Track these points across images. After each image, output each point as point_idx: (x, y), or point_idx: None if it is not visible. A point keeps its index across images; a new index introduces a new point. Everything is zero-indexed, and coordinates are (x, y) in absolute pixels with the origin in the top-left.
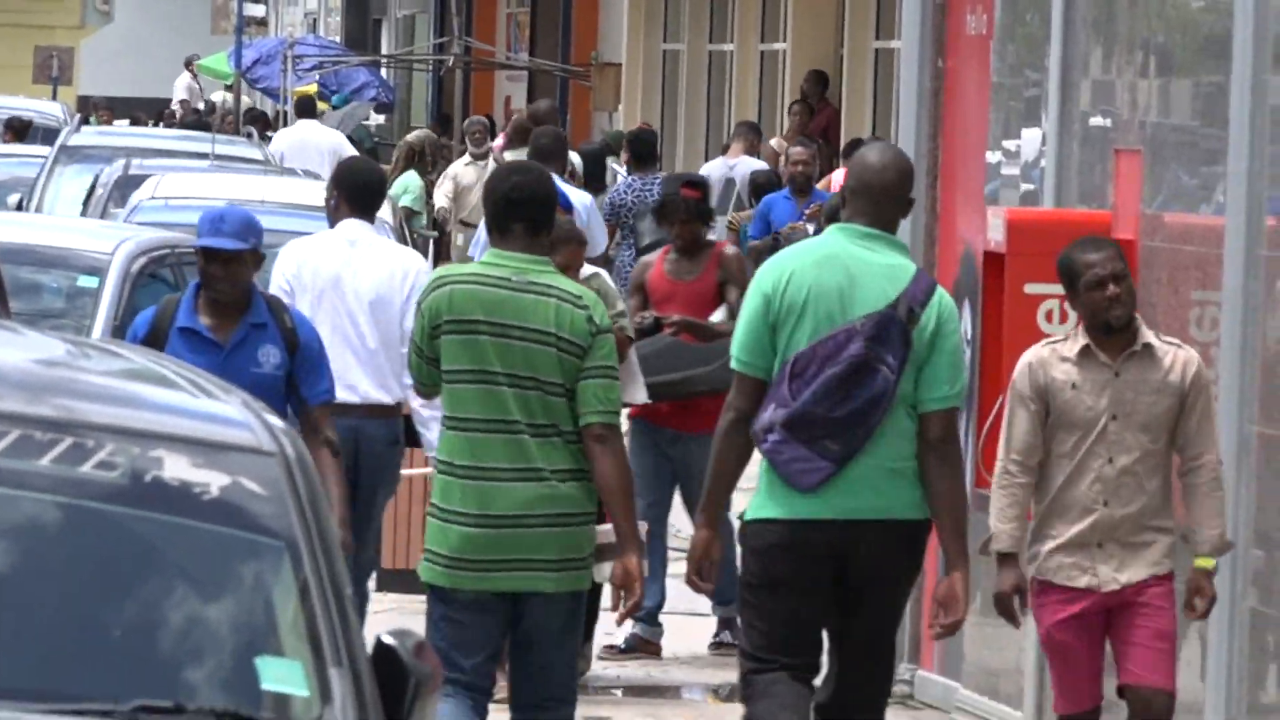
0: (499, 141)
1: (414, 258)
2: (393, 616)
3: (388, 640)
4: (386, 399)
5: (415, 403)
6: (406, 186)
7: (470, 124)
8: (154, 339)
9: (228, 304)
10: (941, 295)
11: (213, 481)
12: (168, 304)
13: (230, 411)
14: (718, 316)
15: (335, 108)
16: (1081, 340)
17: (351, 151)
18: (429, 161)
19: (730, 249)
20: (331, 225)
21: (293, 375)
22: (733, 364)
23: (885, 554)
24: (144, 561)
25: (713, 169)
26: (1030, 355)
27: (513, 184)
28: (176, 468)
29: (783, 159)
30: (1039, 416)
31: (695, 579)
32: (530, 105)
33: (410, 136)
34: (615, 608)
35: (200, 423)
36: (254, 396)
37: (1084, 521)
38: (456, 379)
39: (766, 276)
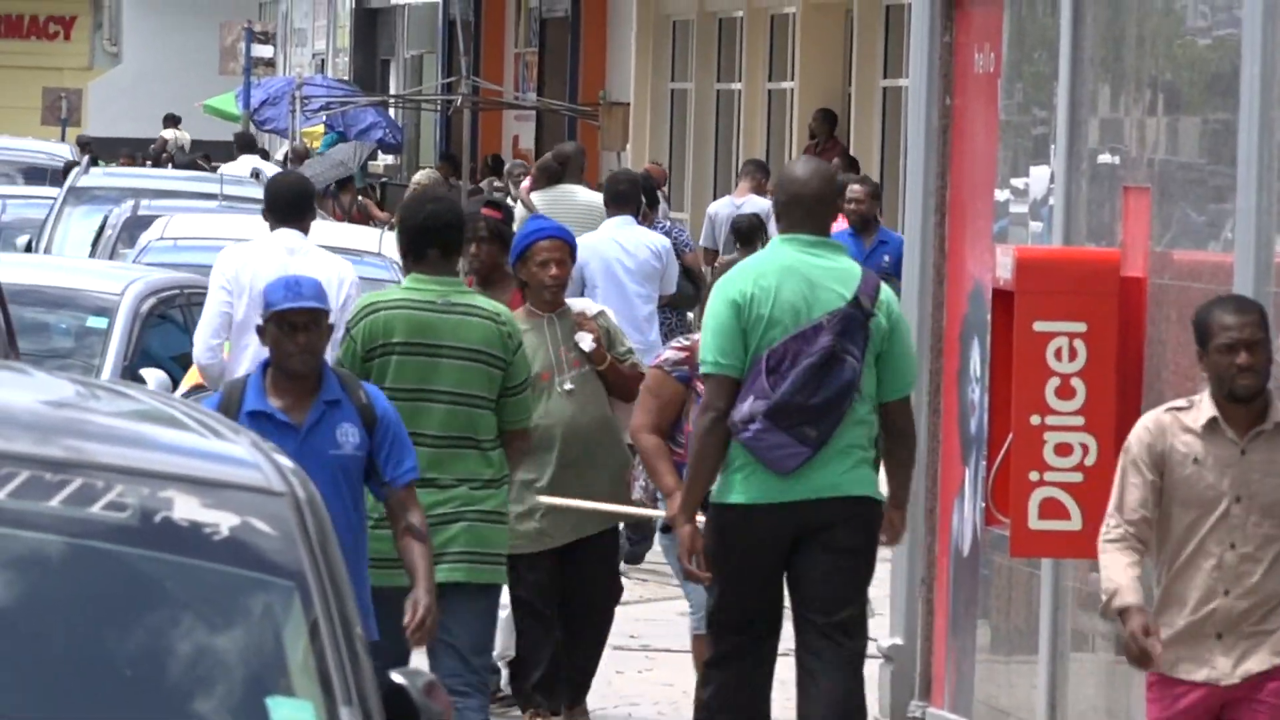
0: (525, 184)
1: (347, 267)
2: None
3: (398, 679)
4: None
5: None
6: None
7: (512, 167)
8: None
9: (300, 381)
10: (887, 291)
11: (222, 522)
12: (233, 387)
13: (240, 452)
14: None
15: (321, 153)
16: (1209, 412)
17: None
18: None
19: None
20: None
21: (372, 455)
22: (707, 368)
23: (844, 526)
24: (154, 602)
25: (720, 208)
26: (1150, 420)
27: (428, 212)
28: (186, 508)
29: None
30: (1154, 487)
31: (692, 569)
32: (557, 147)
33: (419, 176)
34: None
35: (210, 463)
36: (334, 481)
37: (1202, 611)
38: (395, 396)
39: (733, 286)
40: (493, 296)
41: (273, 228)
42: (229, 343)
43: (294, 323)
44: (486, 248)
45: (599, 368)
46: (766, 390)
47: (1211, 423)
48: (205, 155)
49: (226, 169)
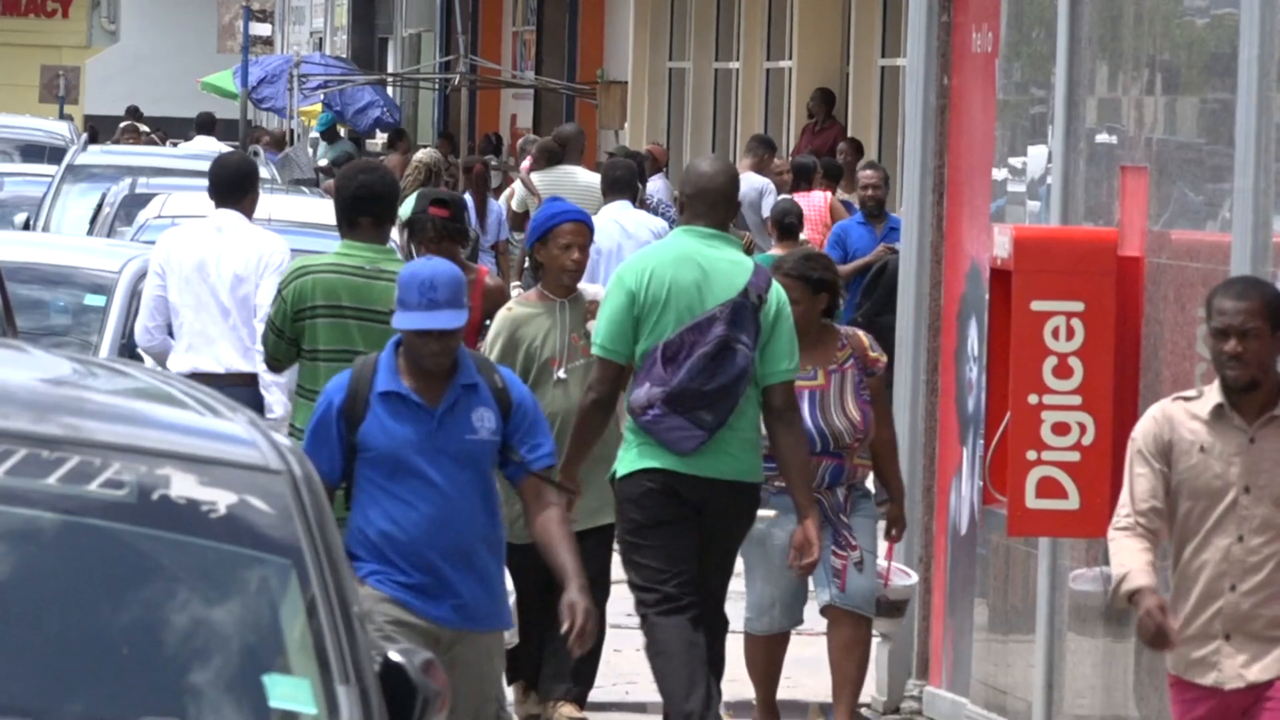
0: (526, 164)
1: (276, 243)
2: None
3: (395, 657)
4: (248, 368)
5: (261, 370)
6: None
7: (525, 142)
8: (351, 405)
9: None
10: (776, 284)
11: (220, 499)
12: (364, 365)
13: (237, 430)
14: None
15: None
16: (1215, 398)
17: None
18: (438, 179)
19: (493, 280)
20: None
21: (507, 440)
22: (596, 351)
23: (733, 510)
24: (151, 579)
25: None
26: (1156, 410)
27: (360, 183)
28: (184, 486)
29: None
30: (1162, 477)
31: None
32: (557, 129)
33: (423, 155)
34: None
35: (207, 441)
36: (468, 465)
37: (1209, 608)
38: (320, 357)
39: (629, 274)
40: None
41: (216, 207)
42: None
43: (428, 332)
44: (435, 249)
45: None
46: (664, 378)
47: (1218, 409)
48: (161, 133)
49: (184, 149)
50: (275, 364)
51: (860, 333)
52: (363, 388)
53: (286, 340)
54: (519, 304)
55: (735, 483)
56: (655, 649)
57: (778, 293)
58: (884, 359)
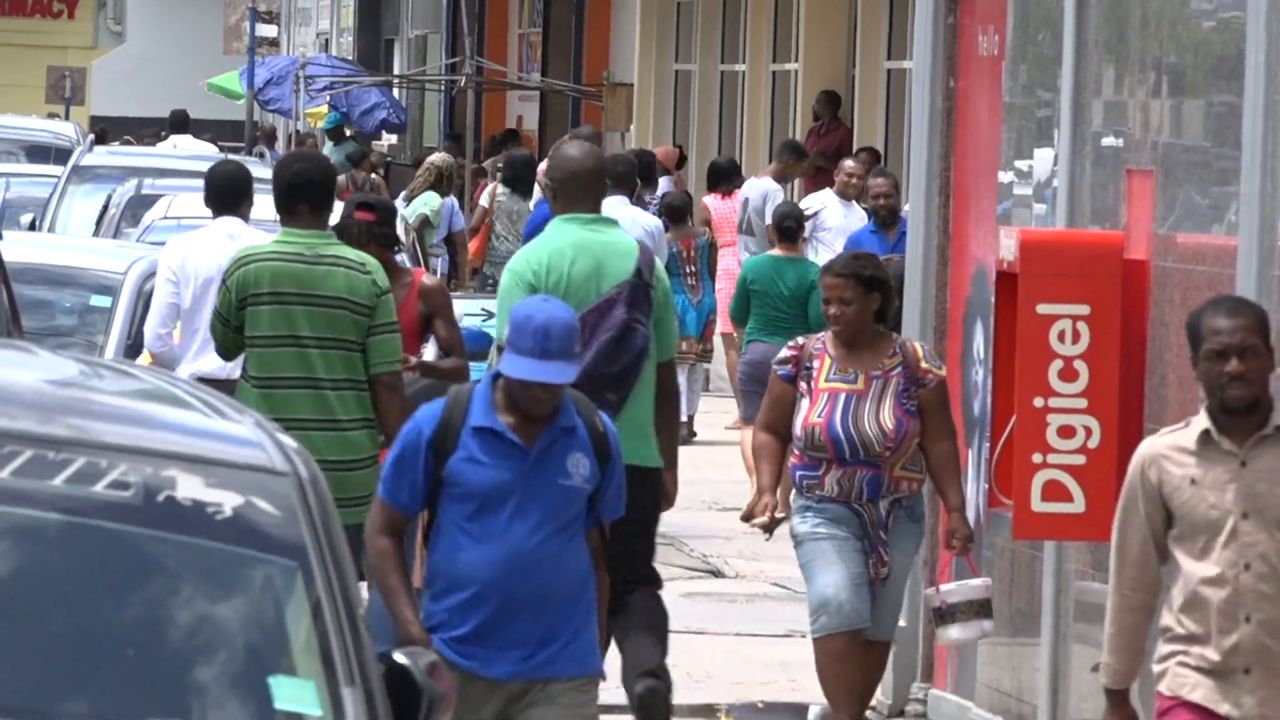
0: (543, 165)
1: None
2: None
3: (400, 659)
4: None
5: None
6: (426, 202)
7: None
8: (442, 437)
9: None
10: (657, 262)
11: (225, 501)
12: (458, 396)
13: (243, 431)
14: (429, 354)
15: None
16: (1202, 424)
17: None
18: (448, 182)
19: (430, 279)
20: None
21: (597, 489)
22: (500, 342)
23: (636, 495)
24: (157, 580)
25: (750, 190)
26: (1142, 450)
27: (295, 170)
28: (189, 487)
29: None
30: (1155, 523)
31: None
32: (573, 131)
33: (435, 159)
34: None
35: (213, 442)
36: (557, 511)
37: (1225, 642)
38: (266, 343)
39: (525, 266)
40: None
41: (214, 215)
42: (180, 327)
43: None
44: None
45: None
46: None
47: (1204, 436)
48: (272, 138)
49: (171, 149)
50: (226, 353)
51: (917, 343)
52: (456, 420)
53: (233, 329)
54: None
55: (633, 468)
56: None
57: (659, 272)
58: (939, 371)
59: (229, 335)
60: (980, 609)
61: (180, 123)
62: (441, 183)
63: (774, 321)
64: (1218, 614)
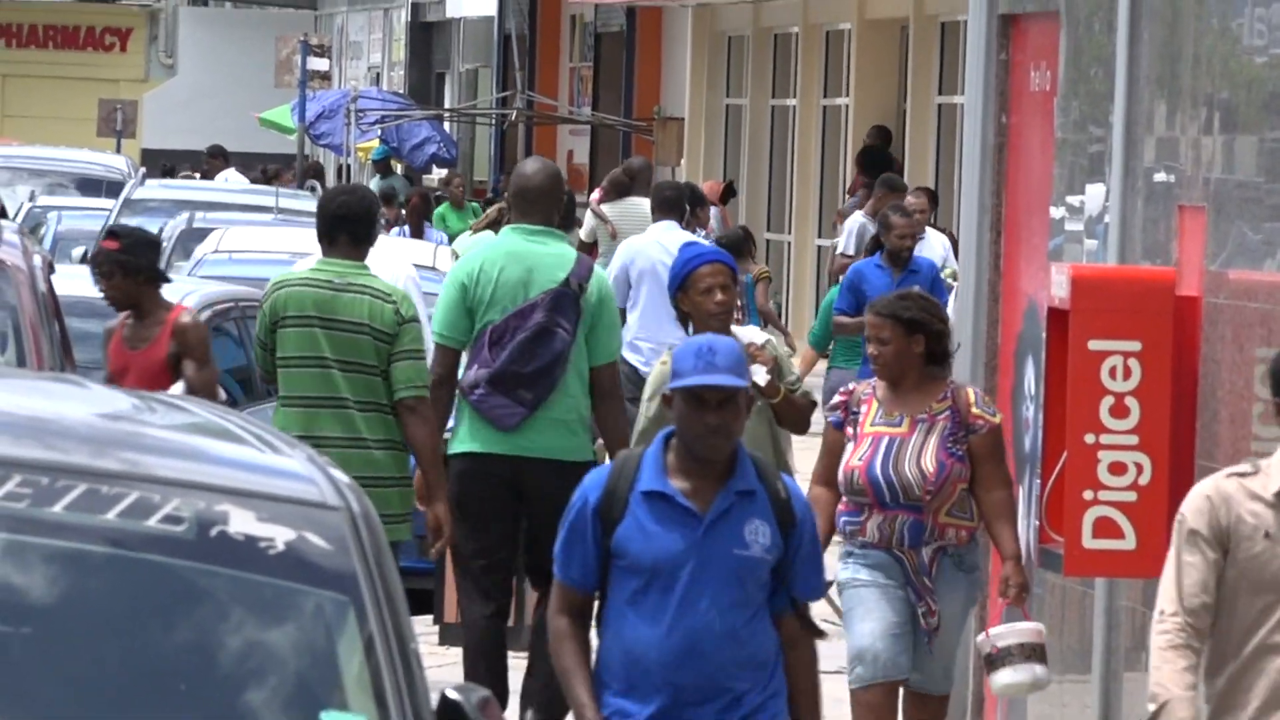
0: (596, 195)
1: (401, 269)
2: (457, 670)
3: (452, 695)
4: None
5: None
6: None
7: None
8: (608, 504)
9: (710, 464)
10: (599, 273)
11: (278, 536)
12: (627, 460)
13: (295, 466)
14: (175, 391)
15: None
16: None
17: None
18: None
19: (188, 317)
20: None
21: (781, 561)
22: (435, 339)
23: (549, 485)
24: (209, 615)
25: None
26: (1209, 488)
27: (340, 203)
28: (242, 522)
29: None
30: (1216, 566)
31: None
32: (626, 161)
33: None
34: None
35: (266, 477)
36: (734, 584)
37: (1271, 717)
38: (294, 364)
39: (462, 270)
40: (145, 327)
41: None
42: None
43: (704, 399)
44: (108, 283)
45: (772, 401)
46: (489, 360)
47: None
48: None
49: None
50: (264, 375)
51: (970, 389)
52: (623, 485)
53: (269, 350)
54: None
55: (559, 463)
56: (465, 604)
57: (599, 282)
58: (992, 418)
59: (265, 357)
60: (1032, 652)
61: (219, 156)
62: (498, 226)
63: (853, 347)
64: (1267, 686)
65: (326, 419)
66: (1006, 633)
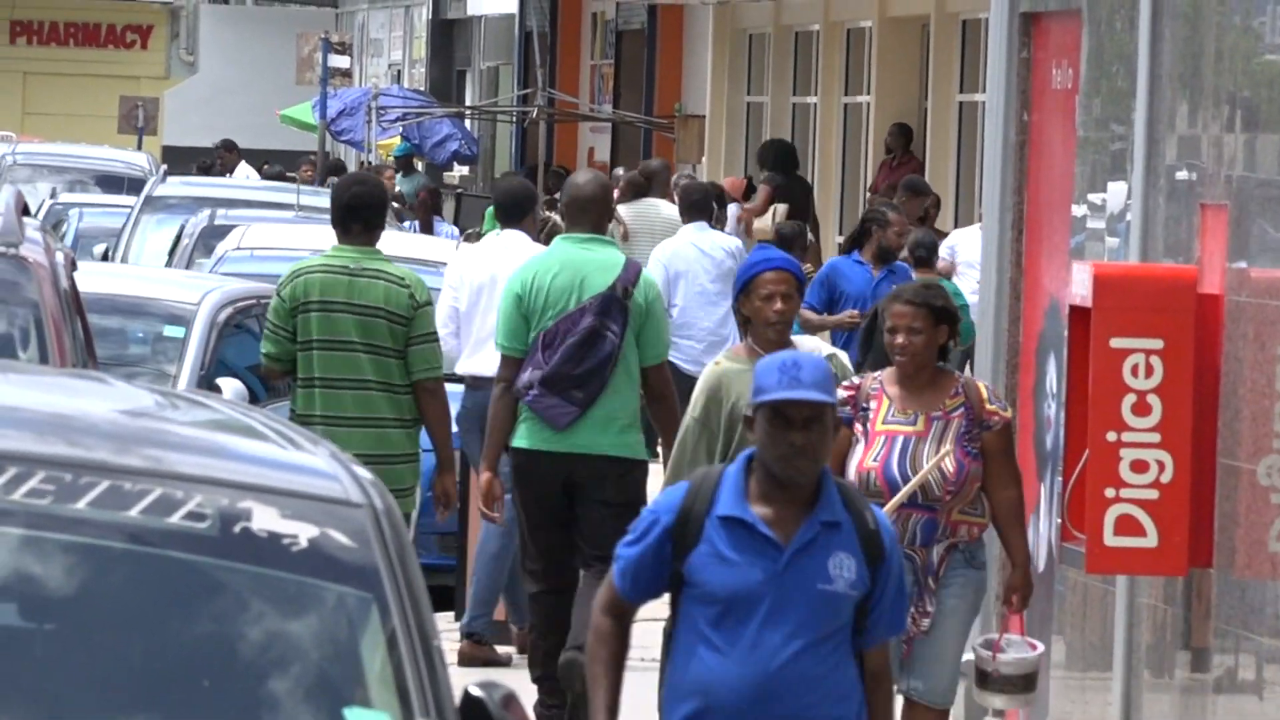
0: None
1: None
2: (481, 668)
3: (475, 692)
4: None
5: None
6: None
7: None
8: (682, 527)
9: (793, 490)
10: (647, 277)
11: (301, 533)
12: (704, 481)
13: (319, 463)
14: None
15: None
16: None
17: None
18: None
19: None
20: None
21: (867, 597)
22: (499, 349)
23: (601, 479)
24: (232, 612)
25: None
26: None
27: (353, 193)
28: (265, 519)
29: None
30: None
31: (485, 510)
32: (643, 163)
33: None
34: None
35: (289, 474)
36: (816, 621)
37: None
38: (319, 347)
39: (517, 282)
40: None
41: (502, 228)
42: (459, 329)
43: (789, 417)
44: None
45: None
46: (541, 362)
47: None
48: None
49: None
50: (271, 362)
51: (981, 384)
52: (699, 508)
53: (284, 334)
54: (727, 358)
55: (607, 458)
56: (534, 598)
57: (647, 285)
58: (1004, 414)
59: (277, 341)
60: (1026, 684)
61: (231, 150)
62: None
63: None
64: None
65: (348, 400)
66: (1013, 663)
